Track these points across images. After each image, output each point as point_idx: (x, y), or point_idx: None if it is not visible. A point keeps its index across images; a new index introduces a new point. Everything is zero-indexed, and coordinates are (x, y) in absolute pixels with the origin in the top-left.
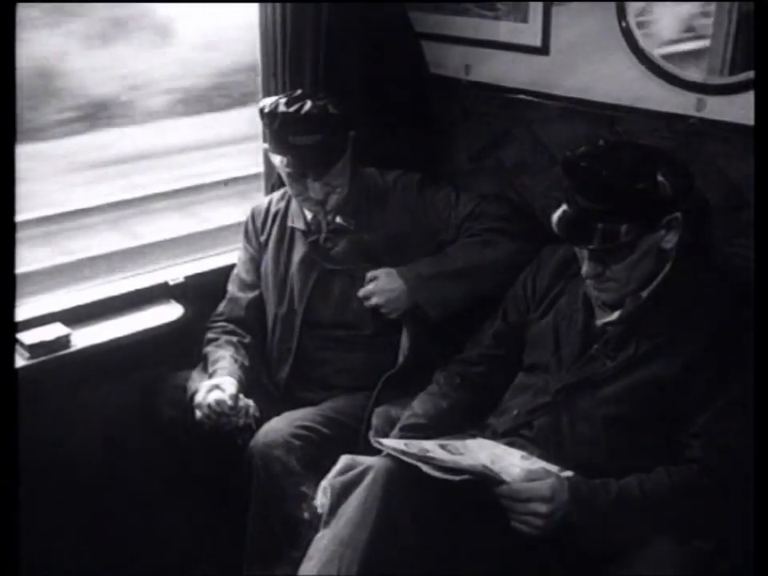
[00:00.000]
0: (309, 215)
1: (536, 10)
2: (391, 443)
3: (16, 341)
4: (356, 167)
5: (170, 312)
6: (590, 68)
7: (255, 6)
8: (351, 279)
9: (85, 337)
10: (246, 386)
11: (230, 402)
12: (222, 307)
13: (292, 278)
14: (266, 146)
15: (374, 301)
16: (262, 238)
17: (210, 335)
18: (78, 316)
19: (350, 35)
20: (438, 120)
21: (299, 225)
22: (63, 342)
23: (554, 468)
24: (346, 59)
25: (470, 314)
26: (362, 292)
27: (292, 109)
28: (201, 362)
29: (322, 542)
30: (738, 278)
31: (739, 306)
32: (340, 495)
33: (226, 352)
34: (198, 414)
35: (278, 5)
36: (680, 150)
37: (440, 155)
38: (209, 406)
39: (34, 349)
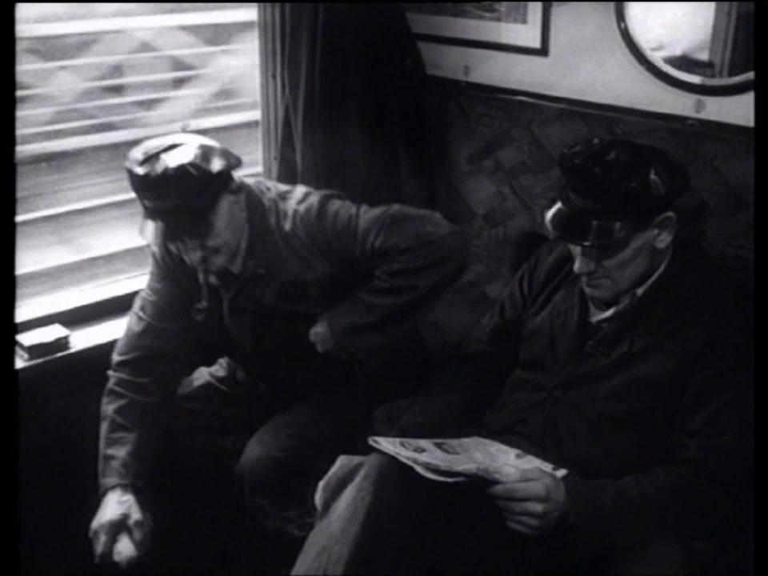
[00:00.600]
0: None
1: (535, 12)
2: (387, 442)
3: (15, 342)
4: (255, 212)
5: None
6: (589, 69)
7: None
8: (290, 321)
9: (84, 338)
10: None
11: (136, 554)
12: (133, 341)
13: (227, 323)
14: None
15: (319, 350)
16: (179, 266)
17: (116, 388)
18: (77, 317)
19: (347, 36)
20: (436, 121)
21: (212, 280)
22: (62, 343)
23: (548, 467)
24: (342, 60)
25: None
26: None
27: (143, 171)
28: (103, 422)
29: (314, 537)
30: (735, 277)
31: (736, 304)
32: (334, 491)
33: (130, 435)
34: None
35: (276, 6)
36: (679, 151)
37: (438, 156)
38: (127, 562)
39: (33, 350)
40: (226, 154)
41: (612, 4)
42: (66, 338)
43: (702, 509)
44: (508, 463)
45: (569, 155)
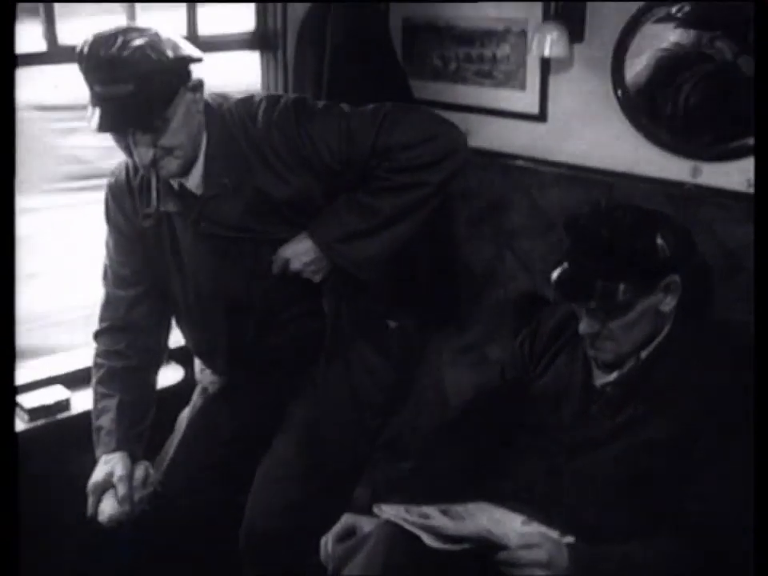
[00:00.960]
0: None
1: (533, 79)
2: (392, 510)
3: (16, 404)
4: (214, 117)
5: (171, 375)
6: (587, 135)
7: None
8: (256, 247)
9: (85, 400)
10: (139, 428)
11: (127, 509)
12: (102, 312)
13: (186, 263)
14: None
15: (292, 267)
16: (131, 219)
17: (96, 359)
18: (78, 379)
19: (349, 103)
20: None
21: (170, 207)
22: (63, 405)
23: (554, 533)
24: None
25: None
26: (275, 266)
27: (96, 50)
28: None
29: None
30: (738, 342)
31: (739, 369)
32: (342, 561)
33: (111, 401)
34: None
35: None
36: (677, 216)
37: (439, 219)
38: (108, 519)
39: (34, 412)
40: (188, 46)
41: (609, 72)
42: (66, 400)
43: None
44: (514, 529)
45: (575, 216)
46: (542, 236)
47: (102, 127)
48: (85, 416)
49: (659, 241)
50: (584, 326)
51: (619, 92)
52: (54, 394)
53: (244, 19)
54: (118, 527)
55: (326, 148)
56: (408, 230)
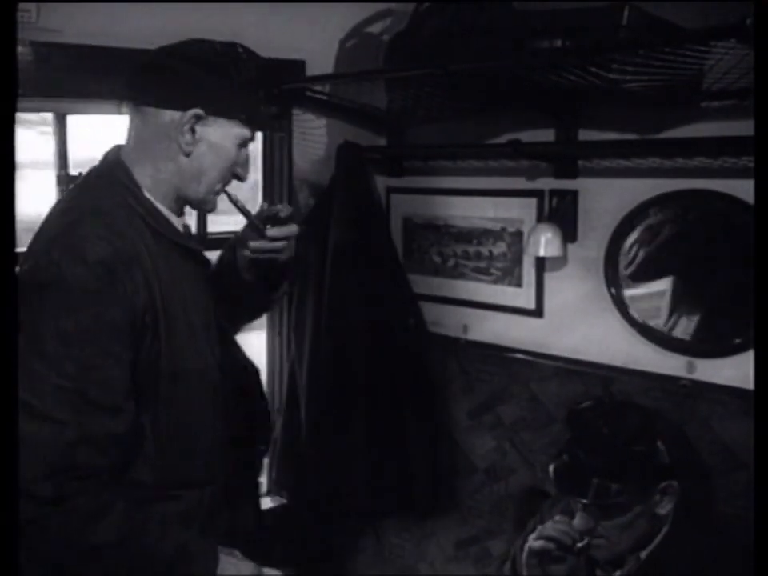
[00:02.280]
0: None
1: (529, 276)
2: None
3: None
4: None
5: None
6: (583, 330)
7: None
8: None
9: None
10: None
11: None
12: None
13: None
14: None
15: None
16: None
17: None
18: None
19: (352, 297)
20: (437, 376)
21: (175, 230)
22: None
23: None
24: (347, 319)
25: None
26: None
27: None
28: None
29: None
30: (739, 541)
31: (740, 570)
32: None
33: None
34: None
35: None
36: (673, 411)
37: (440, 411)
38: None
39: None
40: None
41: (602, 270)
42: None
43: None
44: None
45: (579, 410)
46: (541, 429)
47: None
48: None
49: (660, 446)
50: (578, 522)
51: (612, 290)
52: None
53: None
54: None
55: None
56: None
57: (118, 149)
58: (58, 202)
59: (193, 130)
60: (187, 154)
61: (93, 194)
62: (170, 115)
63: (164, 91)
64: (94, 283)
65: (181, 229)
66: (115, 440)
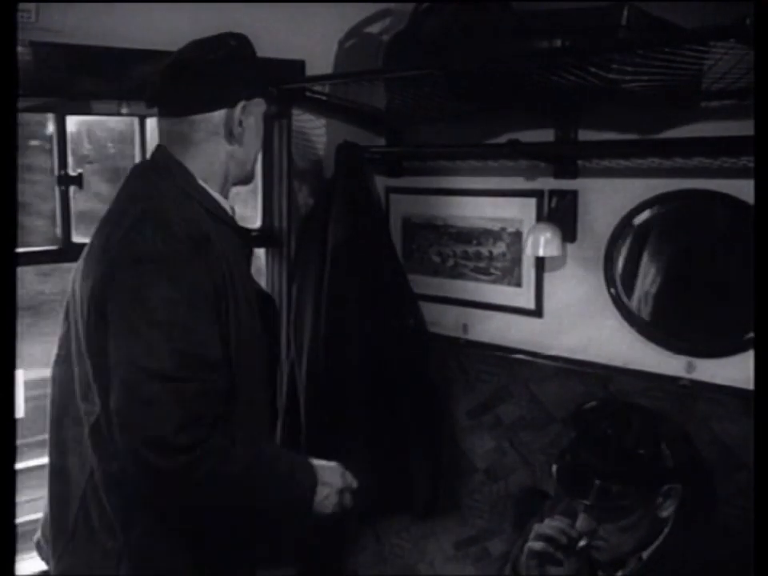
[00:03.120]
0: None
1: (529, 275)
2: None
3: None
4: None
5: None
6: (583, 330)
7: None
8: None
9: None
10: None
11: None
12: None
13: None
14: None
15: None
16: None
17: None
18: None
19: (352, 298)
20: (437, 376)
21: (227, 213)
22: None
23: None
24: (347, 319)
25: None
26: None
27: None
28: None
29: None
30: (740, 541)
31: (741, 570)
32: None
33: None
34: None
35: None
36: (673, 411)
37: (440, 411)
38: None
39: None
40: None
41: (601, 270)
42: None
43: None
44: None
45: (583, 410)
46: (541, 429)
47: None
48: None
49: (664, 449)
50: (580, 523)
51: (612, 290)
52: None
53: (251, 218)
54: None
55: None
56: None
57: (164, 148)
58: (122, 189)
59: (240, 121)
60: (240, 143)
61: (156, 183)
62: (218, 115)
63: (212, 96)
64: (186, 255)
65: (230, 211)
66: (223, 393)
